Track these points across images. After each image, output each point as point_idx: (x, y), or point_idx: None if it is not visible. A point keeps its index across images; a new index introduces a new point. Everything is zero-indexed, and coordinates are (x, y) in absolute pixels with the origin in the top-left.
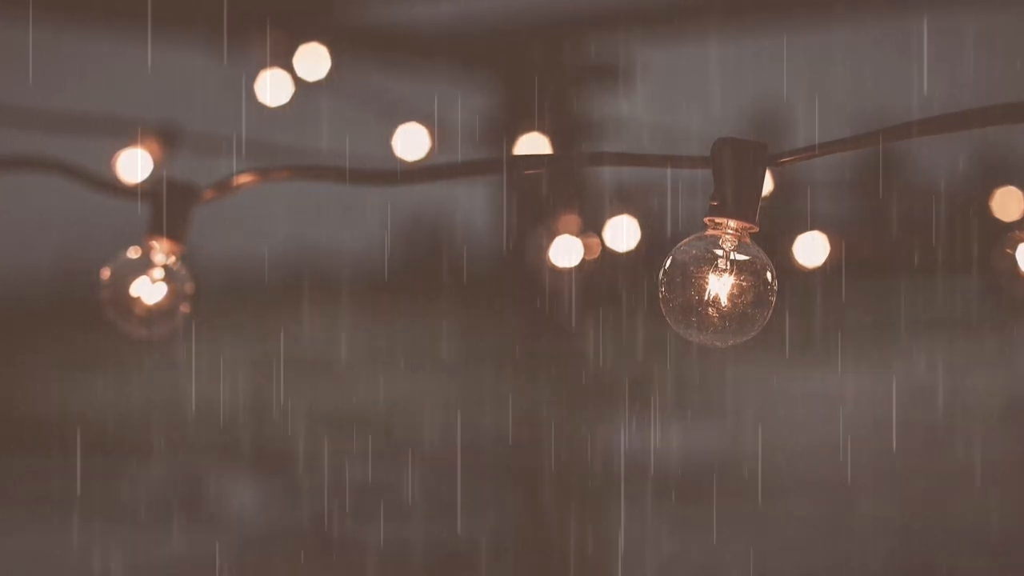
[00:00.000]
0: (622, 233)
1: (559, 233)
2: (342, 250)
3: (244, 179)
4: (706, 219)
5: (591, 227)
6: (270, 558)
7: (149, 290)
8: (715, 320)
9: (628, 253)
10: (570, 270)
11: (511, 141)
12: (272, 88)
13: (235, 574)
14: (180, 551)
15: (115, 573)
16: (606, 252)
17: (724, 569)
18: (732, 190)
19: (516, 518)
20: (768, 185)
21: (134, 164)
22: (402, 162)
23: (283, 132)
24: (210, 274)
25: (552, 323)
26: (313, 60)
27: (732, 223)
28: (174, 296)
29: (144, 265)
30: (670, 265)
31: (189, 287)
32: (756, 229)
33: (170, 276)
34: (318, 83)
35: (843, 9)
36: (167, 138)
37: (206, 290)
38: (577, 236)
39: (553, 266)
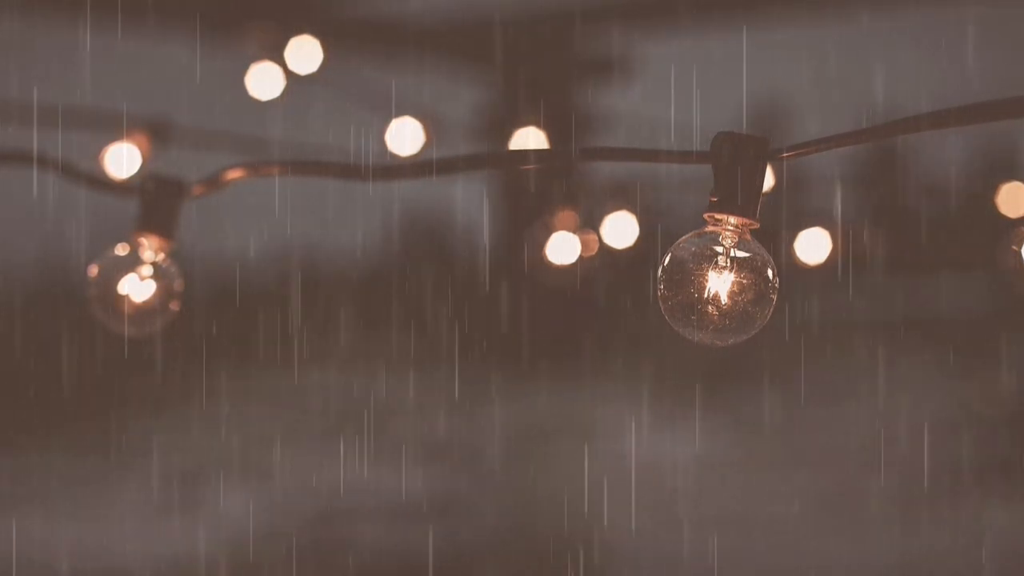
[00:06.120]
0: (620, 229)
1: (556, 229)
2: (335, 246)
3: (234, 174)
4: (706, 215)
5: (589, 223)
6: (267, 559)
7: (137, 287)
8: (715, 318)
9: (626, 250)
10: (568, 267)
11: (507, 136)
12: (263, 81)
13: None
14: (173, 552)
15: (100, 574)
16: (604, 248)
17: (725, 569)
18: (732, 186)
19: (515, 517)
20: (769, 180)
21: (122, 159)
22: (395, 157)
23: (274, 126)
24: (200, 271)
25: (552, 320)
26: (305, 53)
27: (732, 219)
28: (163, 293)
29: (132, 262)
30: (669, 262)
31: (178, 284)
32: (757, 225)
33: (159, 273)
34: (310, 76)
35: (845, 3)
36: (156, 133)
37: (196, 287)
38: (575, 232)
39: (550, 263)
